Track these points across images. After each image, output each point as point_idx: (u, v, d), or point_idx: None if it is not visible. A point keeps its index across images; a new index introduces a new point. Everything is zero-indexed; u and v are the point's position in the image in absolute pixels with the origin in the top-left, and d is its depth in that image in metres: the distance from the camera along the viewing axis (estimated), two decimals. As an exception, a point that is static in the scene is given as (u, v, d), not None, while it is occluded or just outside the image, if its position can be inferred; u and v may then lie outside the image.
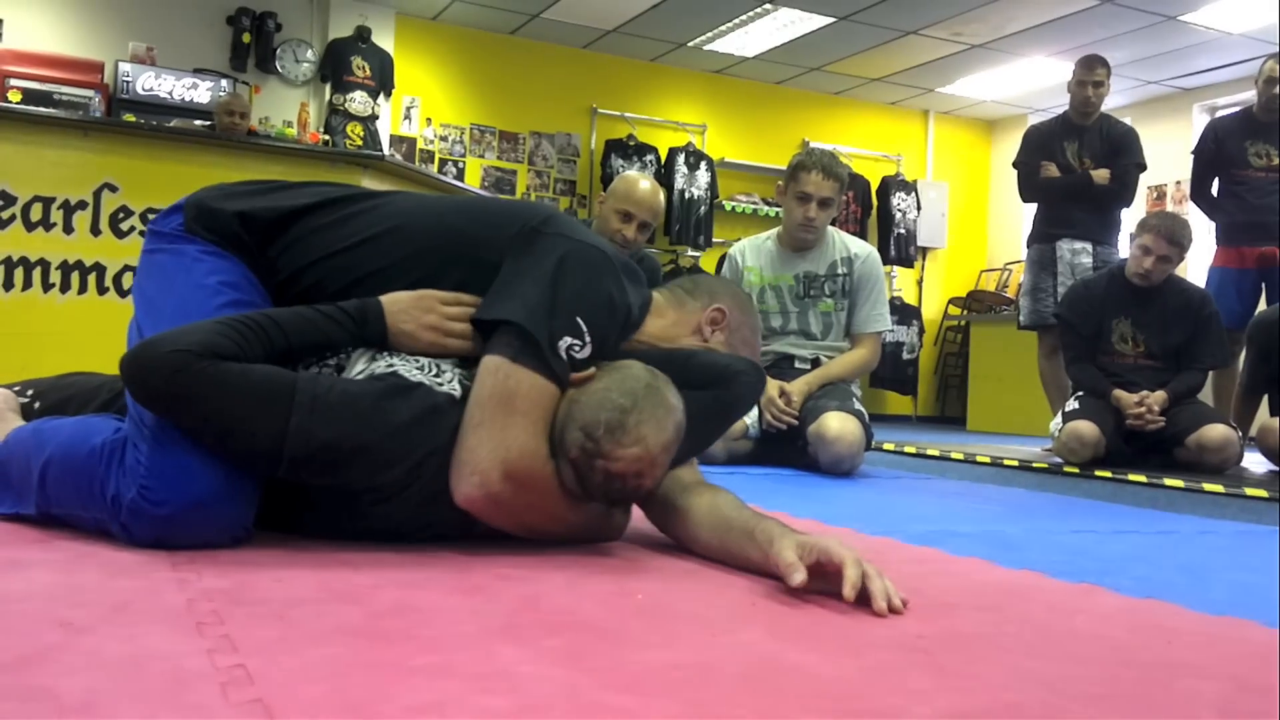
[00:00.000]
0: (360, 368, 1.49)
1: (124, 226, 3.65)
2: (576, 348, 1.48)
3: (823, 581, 1.29)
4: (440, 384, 1.46)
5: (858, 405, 3.42)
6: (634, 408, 1.43)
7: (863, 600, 1.24)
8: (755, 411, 3.36)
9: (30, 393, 1.90)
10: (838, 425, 3.22)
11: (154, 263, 1.63)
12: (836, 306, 3.58)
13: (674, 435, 1.48)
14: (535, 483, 1.44)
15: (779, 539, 1.35)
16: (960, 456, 4.26)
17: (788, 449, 3.43)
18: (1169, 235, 3.88)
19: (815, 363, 3.56)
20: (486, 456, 1.40)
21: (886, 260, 8.90)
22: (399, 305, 1.53)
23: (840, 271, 3.57)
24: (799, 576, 1.25)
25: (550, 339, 1.45)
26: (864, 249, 3.66)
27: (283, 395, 1.37)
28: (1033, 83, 8.36)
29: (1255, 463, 4.12)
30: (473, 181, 7.80)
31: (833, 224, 3.68)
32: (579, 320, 1.48)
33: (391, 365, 1.48)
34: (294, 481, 1.43)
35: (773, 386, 3.34)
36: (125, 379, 1.39)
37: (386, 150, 7.07)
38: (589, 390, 1.46)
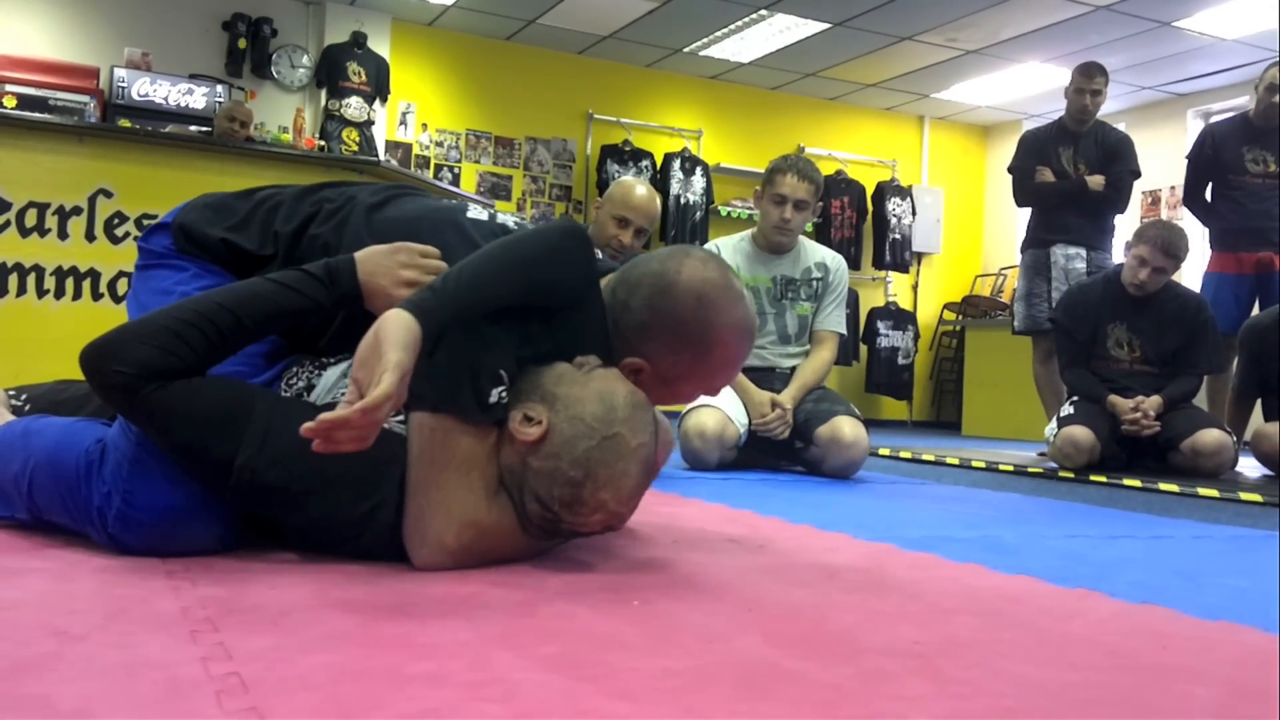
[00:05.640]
0: (329, 384, 1.47)
1: (119, 232, 3.65)
2: (501, 394, 1.41)
3: None
4: (400, 421, 1.42)
5: (854, 409, 3.48)
6: (587, 478, 1.36)
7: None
8: (746, 420, 3.43)
9: (24, 397, 1.90)
10: (852, 431, 3.32)
11: (152, 276, 1.62)
12: (812, 309, 3.66)
13: (640, 479, 1.42)
14: (486, 534, 1.41)
15: None
16: (955, 462, 4.26)
17: (777, 453, 3.51)
18: (1165, 247, 3.89)
19: (794, 370, 3.61)
20: (433, 525, 1.37)
21: (881, 265, 8.94)
22: (372, 260, 1.47)
23: (815, 276, 3.66)
24: None
25: (479, 400, 1.38)
26: (835, 255, 3.75)
27: (235, 424, 1.34)
28: (1028, 88, 8.38)
29: (1250, 467, 4.12)
30: (468, 187, 7.80)
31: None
32: (501, 372, 1.41)
33: None
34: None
35: (764, 398, 3.40)
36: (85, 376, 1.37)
37: (382, 156, 7.07)
38: (541, 454, 1.37)
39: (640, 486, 1.44)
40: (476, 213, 1.68)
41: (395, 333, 1.27)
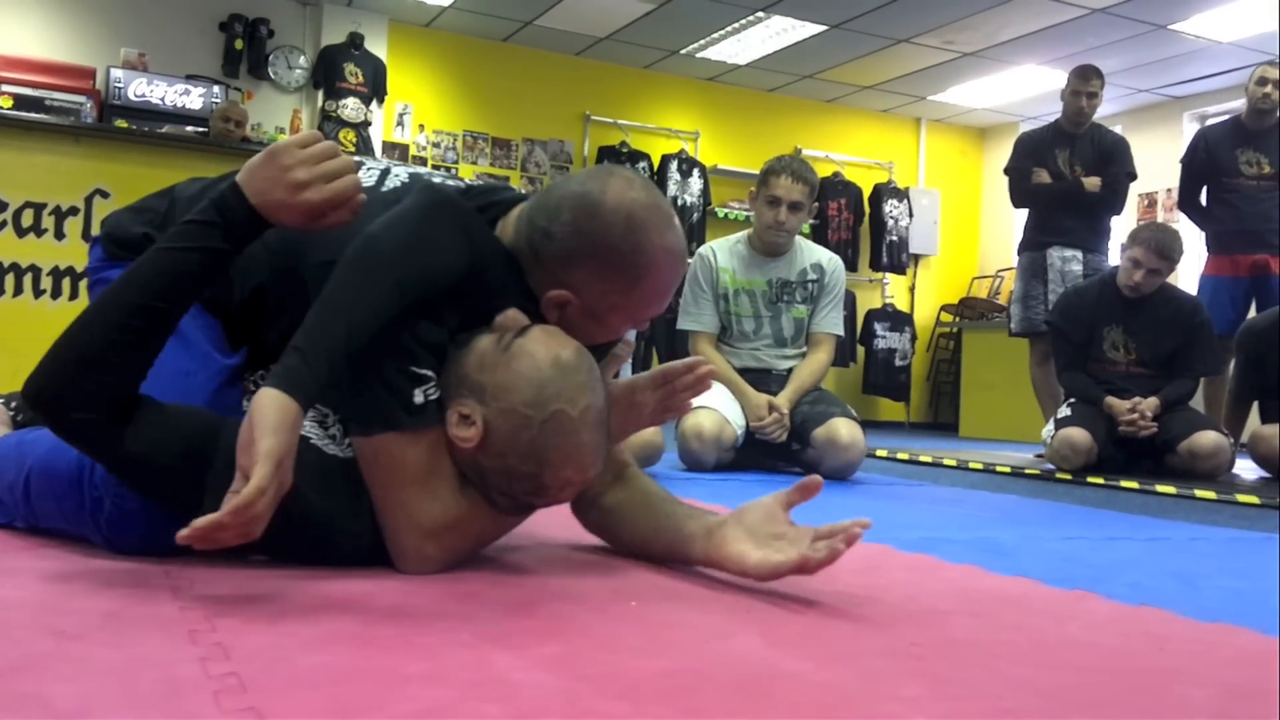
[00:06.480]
0: None
1: (116, 233, 3.64)
2: (428, 391, 1.33)
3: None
4: (342, 442, 1.37)
5: (851, 410, 3.48)
6: (543, 466, 1.32)
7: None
8: (742, 420, 3.44)
9: (14, 405, 1.90)
10: (848, 432, 3.31)
11: (98, 293, 1.61)
12: (808, 312, 3.66)
13: (597, 439, 1.36)
14: (466, 530, 1.38)
15: (732, 543, 1.37)
16: (953, 463, 4.26)
17: (774, 454, 3.52)
18: (1159, 249, 3.90)
19: (790, 372, 3.61)
20: (410, 543, 1.34)
21: (878, 267, 8.95)
22: (255, 177, 1.30)
23: (811, 278, 3.65)
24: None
25: (405, 406, 1.32)
26: (832, 256, 3.74)
27: (194, 473, 1.30)
28: (1024, 91, 8.40)
29: (1246, 469, 4.13)
30: (466, 188, 7.80)
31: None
32: (415, 370, 1.32)
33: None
34: None
35: (761, 400, 3.41)
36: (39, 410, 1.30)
37: (379, 156, 7.08)
38: (488, 454, 1.32)
39: (601, 444, 1.38)
40: (367, 176, 1.50)
41: (269, 416, 1.16)
